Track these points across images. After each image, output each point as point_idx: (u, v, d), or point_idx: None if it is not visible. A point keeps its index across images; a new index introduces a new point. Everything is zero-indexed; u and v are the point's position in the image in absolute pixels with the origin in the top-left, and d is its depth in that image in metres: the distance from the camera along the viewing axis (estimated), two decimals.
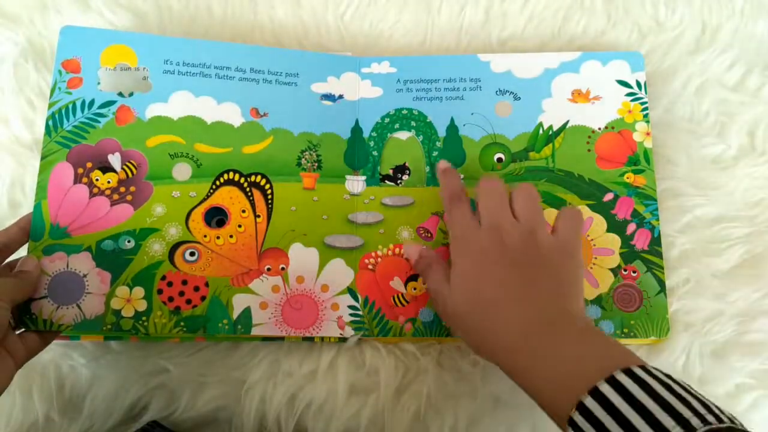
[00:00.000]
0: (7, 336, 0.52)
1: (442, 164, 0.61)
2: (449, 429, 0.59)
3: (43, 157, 0.59)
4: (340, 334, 0.59)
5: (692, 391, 0.42)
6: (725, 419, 0.39)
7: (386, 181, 0.63)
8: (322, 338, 0.60)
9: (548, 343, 0.48)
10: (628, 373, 0.42)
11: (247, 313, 0.58)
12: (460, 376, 0.61)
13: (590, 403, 0.42)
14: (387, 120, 0.64)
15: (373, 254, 0.61)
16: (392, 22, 0.71)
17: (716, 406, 0.41)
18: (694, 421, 0.38)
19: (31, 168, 0.64)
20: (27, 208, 0.64)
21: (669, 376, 0.43)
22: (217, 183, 0.60)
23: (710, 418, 0.39)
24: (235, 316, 0.58)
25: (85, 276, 0.57)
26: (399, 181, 0.63)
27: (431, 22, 0.71)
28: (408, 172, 0.63)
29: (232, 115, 0.62)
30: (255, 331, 0.58)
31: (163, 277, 0.58)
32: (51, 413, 0.60)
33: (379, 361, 0.61)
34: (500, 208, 0.55)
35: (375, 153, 0.63)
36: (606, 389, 0.42)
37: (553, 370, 0.46)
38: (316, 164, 0.62)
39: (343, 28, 0.71)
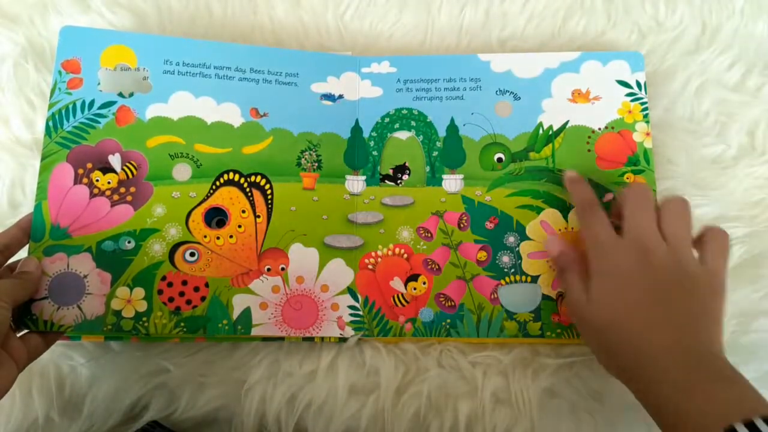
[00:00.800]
0: (9, 338, 0.52)
1: (570, 174, 0.61)
2: (449, 429, 0.59)
3: (43, 158, 0.59)
4: (340, 334, 0.59)
5: None
6: None
7: (386, 181, 0.63)
8: (322, 338, 0.60)
9: (693, 380, 0.46)
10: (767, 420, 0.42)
11: (247, 313, 0.58)
12: (460, 376, 0.61)
13: None
14: (387, 120, 0.64)
15: (373, 254, 0.61)
16: (392, 22, 0.71)
17: None
18: None
19: (31, 168, 0.64)
20: (27, 208, 0.64)
21: None
22: (217, 183, 0.60)
23: None
24: (235, 316, 0.58)
25: (85, 277, 0.57)
26: (399, 181, 0.63)
27: (431, 22, 0.71)
28: (408, 171, 0.63)
29: (232, 115, 0.62)
30: (255, 332, 0.58)
31: (164, 278, 0.58)
32: (51, 413, 0.60)
33: (380, 361, 0.61)
34: (648, 222, 0.53)
35: (375, 153, 0.63)
36: (761, 424, 0.41)
37: (694, 407, 0.45)
38: (316, 164, 0.62)
39: (343, 28, 0.71)
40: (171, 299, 0.57)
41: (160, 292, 0.58)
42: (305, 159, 0.62)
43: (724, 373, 0.47)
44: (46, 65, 0.68)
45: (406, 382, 0.61)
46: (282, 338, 0.60)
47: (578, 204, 0.58)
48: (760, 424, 0.41)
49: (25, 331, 0.55)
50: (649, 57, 0.69)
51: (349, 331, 0.59)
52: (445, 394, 0.60)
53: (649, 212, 0.54)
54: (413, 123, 0.64)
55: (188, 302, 0.58)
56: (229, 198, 0.60)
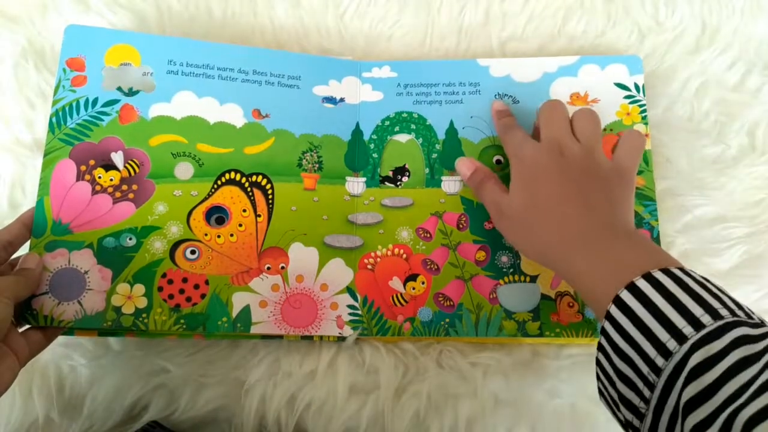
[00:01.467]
0: (11, 334, 0.52)
1: (497, 105, 0.63)
2: (449, 429, 0.59)
3: (46, 154, 0.59)
4: (339, 333, 0.59)
5: (724, 290, 0.44)
6: (741, 314, 0.41)
7: (386, 183, 0.63)
8: (321, 337, 0.60)
9: (603, 244, 0.49)
10: (665, 271, 0.44)
11: (246, 311, 0.58)
12: (460, 375, 0.61)
13: (626, 296, 0.44)
14: (387, 123, 0.64)
15: (372, 254, 0.61)
16: (392, 23, 0.71)
17: (745, 307, 0.43)
18: (724, 312, 0.40)
19: (32, 168, 0.65)
20: (27, 208, 0.64)
21: (704, 278, 0.44)
22: (219, 182, 0.61)
23: (740, 313, 0.41)
24: (234, 314, 0.58)
25: (86, 273, 0.57)
26: (398, 183, 0.63)
27: (431, 22, 0.71)
28: (407, 173, 0.63)
29: (235, 115, 0.62)
30: (254, 330, 0.58)
31: (164, 275, 0.58)
32: (51, 413, 0.60)
33: (379, 361, 0.61)
34: (562, 124, 0.57)
35: (375, 155, 0.64)
36: (642, 284, 0.43)
37: (602, 268, 0.48)
38: (317, 165, 0.62)
39: (343, 28, 0.71)
40: (171, 296, 0.57)
41: (160, 289, 0.58)
42: (306, 160, 0.62)
43: (632, 238, 0.50)
44: (46, 65, 0.68)
45: (405, 382, 0.61)
46: (281, 336, 0.60)
47: (499, 126, 0.61)
48: (656, 274, 0.44)
49: (27, 326, 0.55)
50: (648, 57, 0.69)
51: (348, 330, 0.59)
52: (445, 395, 0.60)
53: (562, 119, 0.58)
54: (413, 126, 0.64)
55: (188, 299, 0.58)
56: (230, 197, 0.60)
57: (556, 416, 0.60)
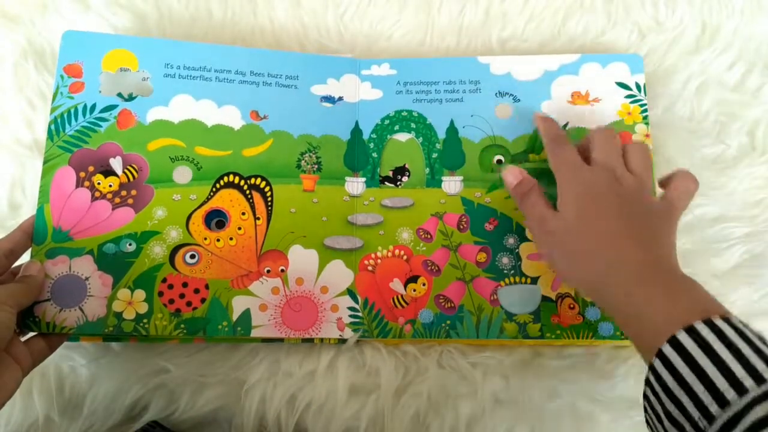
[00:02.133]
0: (14, 343, 0.52)
1: (538, 113, 0.62)
2: (449, 429, 0.59)
3: (45, 161, 0.59)
4: (340, 335, 0.59)
5: None
6: None
7: (386, 183, 0.63)
8: (322, 340, 0.60)
9: (657, 284, 0.48)
10: (726, 320, 0.43)
11: (246, 314, 0.58)
12: (460, 376, 0.61)
13: (683, 337, 0.42)
14: (386, 122, 0.64)
15: (372, 256, 0.61)
16: (392, 22, 0.71)
17: None
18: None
19: (32, 168, 0.65)
20: (27, 208, 0.64)
21: (760, 333, 0.43)
22: (218, 186, 0.60)
23: None
24: (234, 318, 0.58)
25: (87, 279, 0.57)
26: (398, 183, 0.63)
27: (431, 22, 0.71)
28: (408, 173, 0.63)
29: (233, 118, 0.62)
30: (254, 333, 0.58)
31: (164, 280, 0.58)
32: (51, 413, 0.60)
33: (380, 362, 0.61)
34: (615, 153, 0.56)
35: (374, 155, 0.63)
36: (702, 328, 0.42)
37: (657, 307, 0.46)
38: (316, 166, 0.62)
39: (343, 28, 0.71)
40: (171, 301, 0.58)
41: (160, 294, 0.58)
42: (305, 161, 0.62)
43: (683, 281, 0.49)
44: (46, 65, 0.68)
45: (406, 382, 0.61)
46: (281, 339, 0.60)
47: (547, 137, 0.59)
48: (719, 322, 0.42)
49: (30, 335, 0.56)
50: (648, 57, 0.69)
51: (348, 333, 0.59)
52: (445, 395, 0.60)
53: (617, 149, 0.56)
54: (413, 125, 0.64)
55: (188, 304, 0.58)
56: (229, 200, 0.60)
57: (556, 416, 0.60)
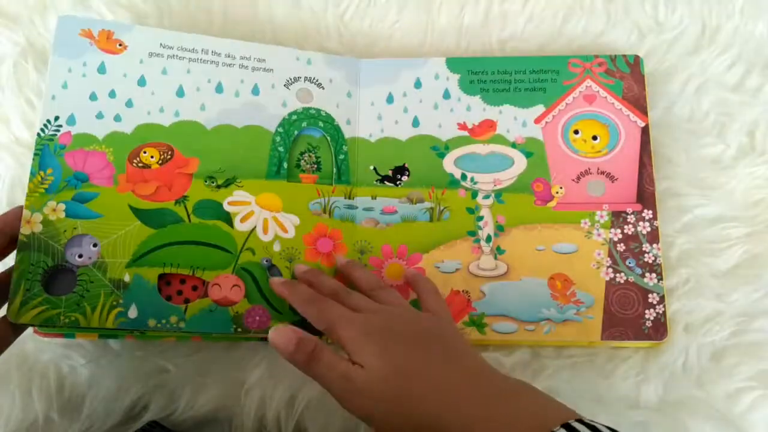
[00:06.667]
0: None
1: (276, 280, 0.57)
2: None
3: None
4: None
5: None
6: None
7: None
8: (321, 338, 0.60)
9: (484, 405, 0.44)
10: (581, 422, 0.41)
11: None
12: None
13: None
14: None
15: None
16: (392, 22, 0.71)
17: None
18: None
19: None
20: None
21: (609, 428, 0.41)
22: None
23: None
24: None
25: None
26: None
27: (431, 22, 0.71)
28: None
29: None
30: (253, 332, 0.58)
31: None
32: (51, 413, 0.59)
33: None
34: (364, 302, 0.53)
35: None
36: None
37: (508, 423, 0.43)
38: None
39: (343, 28, 0.71)
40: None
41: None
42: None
43: (516, 390, 0.47)
44: (45, 65, 0.67)
45: None
46: None
47: (299, 303, 0.54)
48: (577, 425, 0.41)
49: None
50: (648, 57, 0.69)
51: None
52: None
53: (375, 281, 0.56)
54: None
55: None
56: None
57: None
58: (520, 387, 0.47)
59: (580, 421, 0.41)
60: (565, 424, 0.41)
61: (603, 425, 0.41)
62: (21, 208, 0.55)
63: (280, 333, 0.50)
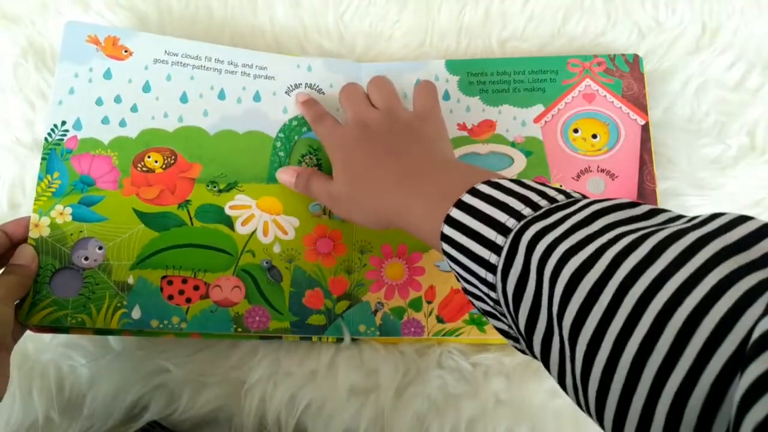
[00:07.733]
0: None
1: (301, 97, 0.63)
2: (450, 429, 0.59)
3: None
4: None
5: (548, 185, 0.44)
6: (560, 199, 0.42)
7: None
8: (320, 338, 0.60)
9: (424, 179, 0.50)
10: (488, 183, 0.44)
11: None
12: (460, 376, 0.61)
13: (456, 213, 0.44)
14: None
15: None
16: (392, 22, 0.71)
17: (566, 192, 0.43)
18: (543, 202, 0.42)
19: (31, 168, 0.64)
20: (27, 208, 0.63)
21: (514, 180, 0.45)
22: None
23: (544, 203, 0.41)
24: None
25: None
26: None
27: (431, 22, 0.71)
28: None
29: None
30: (253, 330, 0.58)
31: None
32: (51, 413, 0.60)
33: (379, 362, 0.61)
34: (359, 100, 0.59)
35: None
36: (468, 198, 0.44)
37: (430, 198, 0.48)
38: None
39: (343, 28, 0.71)
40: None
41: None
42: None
43: (449, 166, 0.52)
44: (46, 65, 0.68)
45: (406, 382, 0.61)
46: (280, 337, 0.60)
47: (310, 119, 0.62)
48: (480, 186, 0.44)
49: None
50: (648, 57, 0.69)
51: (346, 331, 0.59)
52: (446, 395, 0.60)
53: (359, 95, 0.60)
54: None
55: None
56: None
57: (556, 416, 0.60)
58: (456, 164, 0.54)
59: (501, 177, 0.45)
60: (471, 188, 0.45)
61: (507, 179, 0.45)
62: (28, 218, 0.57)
63: (285, 171, 0.61)
